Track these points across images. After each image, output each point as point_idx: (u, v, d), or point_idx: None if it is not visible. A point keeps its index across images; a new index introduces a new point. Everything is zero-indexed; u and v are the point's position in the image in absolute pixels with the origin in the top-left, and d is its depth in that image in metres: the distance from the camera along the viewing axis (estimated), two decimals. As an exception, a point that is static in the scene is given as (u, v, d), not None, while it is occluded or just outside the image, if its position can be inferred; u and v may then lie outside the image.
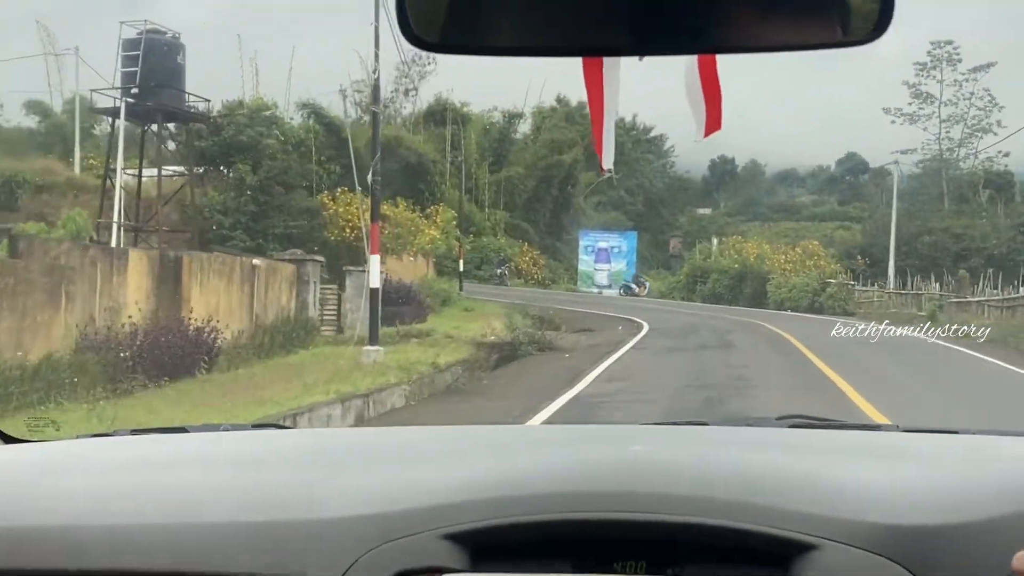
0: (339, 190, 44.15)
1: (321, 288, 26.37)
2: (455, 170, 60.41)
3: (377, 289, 19.38)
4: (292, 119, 54.67)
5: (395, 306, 29.12)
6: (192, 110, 36.58)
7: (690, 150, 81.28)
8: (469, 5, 1.24)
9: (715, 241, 63.24)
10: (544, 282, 60.90)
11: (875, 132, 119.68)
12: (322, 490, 1.58)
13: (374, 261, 19.58)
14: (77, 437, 2.28)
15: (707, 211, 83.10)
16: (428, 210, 46.84)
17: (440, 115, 62.51)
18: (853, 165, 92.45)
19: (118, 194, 31.03)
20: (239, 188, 40.31)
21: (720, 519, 1.45)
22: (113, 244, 28.73)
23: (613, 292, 59.15)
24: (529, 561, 1.41)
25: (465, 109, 63.10)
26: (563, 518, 1.43)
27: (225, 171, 41.54)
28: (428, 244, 42.94)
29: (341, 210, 42.58)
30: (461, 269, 46.37)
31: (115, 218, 29.54)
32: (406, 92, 66.32)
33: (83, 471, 1.84)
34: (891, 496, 1.56)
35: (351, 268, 26.77)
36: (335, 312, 27.08)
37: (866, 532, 1.44)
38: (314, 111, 54.61)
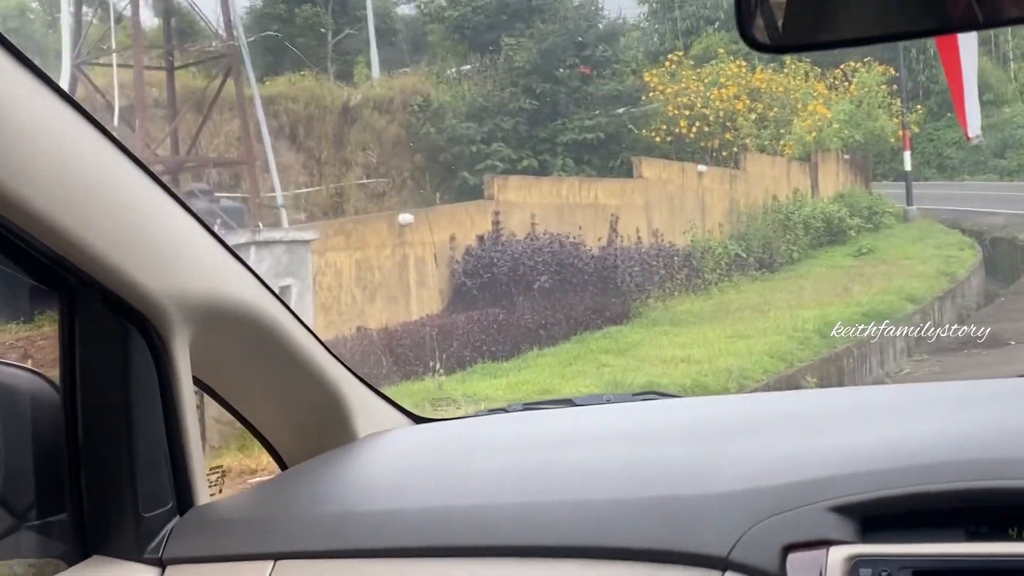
0: (671, 56, 27.81)
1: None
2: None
3: None
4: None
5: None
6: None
7: None
8: (808, 6, 1.23)
9: None
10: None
11: None
12: (708, 463, 1.58)
13: None
14: (476, 415, 2.34)
15: None
16: (833, 73, 28.17)
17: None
18: None
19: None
20: (503, 78, 25.92)
21: None
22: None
23: None
24: (919, 530, 1.38)
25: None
26: (959, 487, 1.38)
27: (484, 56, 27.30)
28: (809, 134, 24.97)
29: (676, 90, 26.33)
30: (907, 168, 27.52)
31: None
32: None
33: (486, 449, 1.92)
34: None
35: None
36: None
37: None
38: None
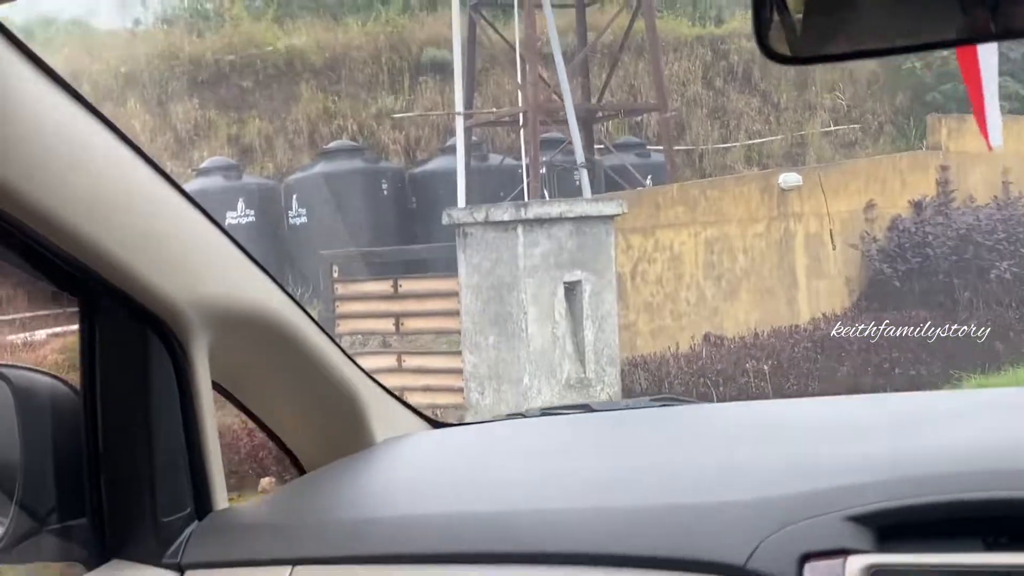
0: None
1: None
2: None
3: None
4: None
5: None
6: None
7: None
8: (826, 16, 1.24)
9: None
10: None
11: None
12: (725, 471, 1.59)
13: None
14: (494, 419, 2.35)
15: None
16: None
17: None
18: None
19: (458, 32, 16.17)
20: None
21: None
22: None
23: None
24: (936, 539, 1.36)
25: None
26: (978, 498, 1.37)
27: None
28: None
29: None
30: None
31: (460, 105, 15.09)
32: None
33: (504, 454, 1.94)
34: None
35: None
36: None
37: None
38: None
